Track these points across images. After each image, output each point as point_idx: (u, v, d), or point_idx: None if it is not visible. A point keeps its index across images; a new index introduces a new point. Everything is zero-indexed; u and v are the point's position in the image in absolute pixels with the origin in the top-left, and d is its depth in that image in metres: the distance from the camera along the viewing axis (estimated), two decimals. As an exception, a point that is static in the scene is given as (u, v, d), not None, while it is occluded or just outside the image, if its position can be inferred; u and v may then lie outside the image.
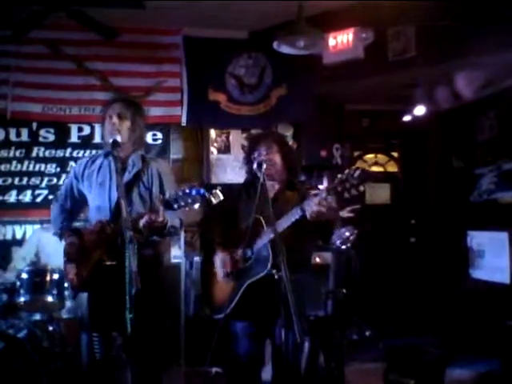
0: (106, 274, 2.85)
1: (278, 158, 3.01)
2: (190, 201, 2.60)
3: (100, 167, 3.09)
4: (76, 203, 3.23)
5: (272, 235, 2.70)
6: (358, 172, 2.51)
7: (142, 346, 2.90)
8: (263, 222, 2.80)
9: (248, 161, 3.10)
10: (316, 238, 3.06)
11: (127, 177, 3.01)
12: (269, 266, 2.75)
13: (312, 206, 2.67)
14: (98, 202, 3.04)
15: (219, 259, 2.98)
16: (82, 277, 2.97)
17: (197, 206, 2.62)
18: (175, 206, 2.64)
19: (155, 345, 3.01)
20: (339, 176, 2.58)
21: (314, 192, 2.75)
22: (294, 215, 2.74)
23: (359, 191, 2.54)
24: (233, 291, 2.86)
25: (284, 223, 2.76)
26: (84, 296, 3.30)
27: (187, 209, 2.64)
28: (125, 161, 3.05)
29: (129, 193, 2.97)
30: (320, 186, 5.74)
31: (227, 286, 2.91)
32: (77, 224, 3.40)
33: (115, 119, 3.01)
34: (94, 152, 5.13)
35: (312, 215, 2.69)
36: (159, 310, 3.06)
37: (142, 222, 2.74)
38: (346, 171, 2.56)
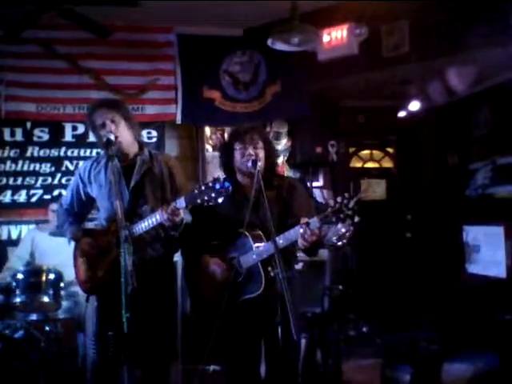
0: (117, 276, 2.81)
1: (262, 155, 2.90)
2: (213, 195, 2.52)
3: (107, 167, 3.03)
4: (83, 206, 3.18)
5: (265, 255, 2.65)
6: (352, 202, 2.38)
7: (152, 344, 2.91)
8: (250, 237, 2.74)
9: (226, 152, 2.98)
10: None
11: (138, 175, 2.98)
12: (261, 288, 2.68)
13: (305, 239, 2.55)
14: (109, 201, 2.98)
15: (212, 264, 2.88)
16: (96, 278, 2.97)
17: (220, 200, 2.54)
18: (199, 200, 2.56)
19: (164, 342, 3.02)
20: (332, 204, 2.42)
21: (305, 220, 2.57)
22: (292, 237, 2.62)
23: (354, 222, 2.41)
24: (223, 304, 2.75)
25: (282, 241, 2.64)
26: (82, 296, 3.29)
27: (211, 203, 2.56)
28: (133, 159, 3.02)
29: (142, 190, 2.96)
30: (316, 183, 5.79)
31: (216, 294, 2.83)
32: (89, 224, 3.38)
33: (112, 126, 2.93)
34: (88, 151, 5.16)
35: (304, 245, 2.60)
36: (168, 307, 3.07)
37: (163, 220, 2.71)
38: (339, 199, 2.40)
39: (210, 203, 2.55)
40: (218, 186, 2.52)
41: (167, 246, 3.04)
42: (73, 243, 3.16)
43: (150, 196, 2.97)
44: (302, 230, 2.56)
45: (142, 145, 3.10)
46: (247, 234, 2.76)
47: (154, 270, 2.91)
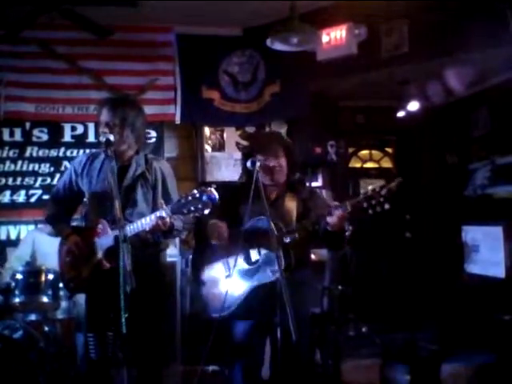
0: (105, 276, 2.82)
1: (284, 163, 2.99)
2: (200, 206, 2.54)
3: (102, 165, 3.02)
4: (74, 198, 3.16)
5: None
6: (385, 190, 2.57)
7: (144, 346, 2.90)
8: (270, 220, 2.75)
9: (249, 162, 2.98)
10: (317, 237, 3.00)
11: (131, 177, 2.97)
12: (278, 273, 2.70)
13: (334, 219, 2.67)
14: (99, 200, 2.97)
15: (214, 225, 2.91)
16: (80, 278, 2.96)
17: (207, 211, 2.55)
18: (184, 210, 2.58)
19: (157, 344, 3.01)
20: (364, 192, 2.61)
21: (336, 203, 2.72)
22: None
23: (384, 209, 2.57)
24: (235, 292, 2.82)
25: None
26: (80, 296, 3.29)
27: (197, 214, 2.57)
28: (128, 161, 3.01)
29: (132, 193, 2.95)
30: (315, 183, 5.79)
31: (225, 285, 2.86)
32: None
33: (105, 129, 2.92)
34: (87, 151, 5.12)
35: (333, 227, 2.70)
36: (161, 308, 3.07)
37: (148, 226, 2.72)
38: (371, 187, 2.60)
39: (196, 214, 2.56)
40: (204, 198, 2.53)
41: (155, 246, 3.03)
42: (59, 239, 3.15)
43: (140, 200, 2.96)
44: (330, 211, 2.67)
45: (138, 148, 3.08)
46: (268, 218, 2.76)
47: (143, 271, 2.89)
